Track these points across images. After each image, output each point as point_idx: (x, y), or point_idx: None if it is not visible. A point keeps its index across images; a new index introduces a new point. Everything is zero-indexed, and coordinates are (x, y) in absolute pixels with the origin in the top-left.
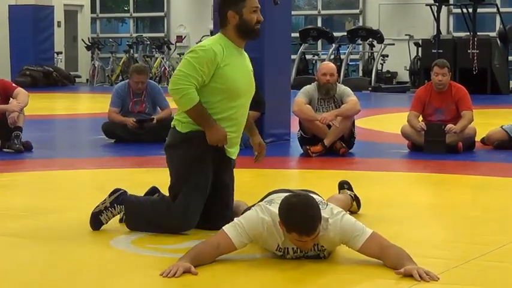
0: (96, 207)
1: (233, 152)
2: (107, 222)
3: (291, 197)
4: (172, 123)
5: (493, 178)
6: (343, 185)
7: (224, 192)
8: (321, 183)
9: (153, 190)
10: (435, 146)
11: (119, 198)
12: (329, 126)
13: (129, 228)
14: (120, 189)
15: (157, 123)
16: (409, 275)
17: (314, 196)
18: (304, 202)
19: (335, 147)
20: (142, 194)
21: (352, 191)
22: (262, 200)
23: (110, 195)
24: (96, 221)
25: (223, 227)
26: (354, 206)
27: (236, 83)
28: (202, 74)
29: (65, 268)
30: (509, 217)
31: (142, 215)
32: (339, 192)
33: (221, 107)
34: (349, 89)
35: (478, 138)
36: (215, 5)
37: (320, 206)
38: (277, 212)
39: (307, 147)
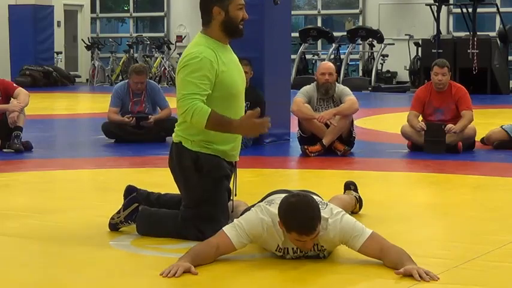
0: (112, 218)
1: (236, 154)
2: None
3: (291, 196)
4: (175, 137)
5: (493, 178)
6: (349, 186)
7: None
8: (320, 183)
9: (131, 189)
10: (435, 146)
11: (132, 215)
12: (327, 126)
13: (139, 233)
14: (134, 200)
15: (155, 123)
16: (409, 275)
17: (314, 196)
18: (303, 202)
19: (336, 148)
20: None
21: (358, 192)
22: (262, 200)
23: (124, 208)
24: (114, 228)
25: (223, 228)
26: (356, 207)
27: (237, 85)
28: (203, 85)
29: (65, 268)
30: (509, 217)
31: (159, 233)
32: (344, 193)
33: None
34: (348, 88)
35: (478, 138)
36: None
37: (320, 206)
38: (276, 212)
39: (305, 146)
